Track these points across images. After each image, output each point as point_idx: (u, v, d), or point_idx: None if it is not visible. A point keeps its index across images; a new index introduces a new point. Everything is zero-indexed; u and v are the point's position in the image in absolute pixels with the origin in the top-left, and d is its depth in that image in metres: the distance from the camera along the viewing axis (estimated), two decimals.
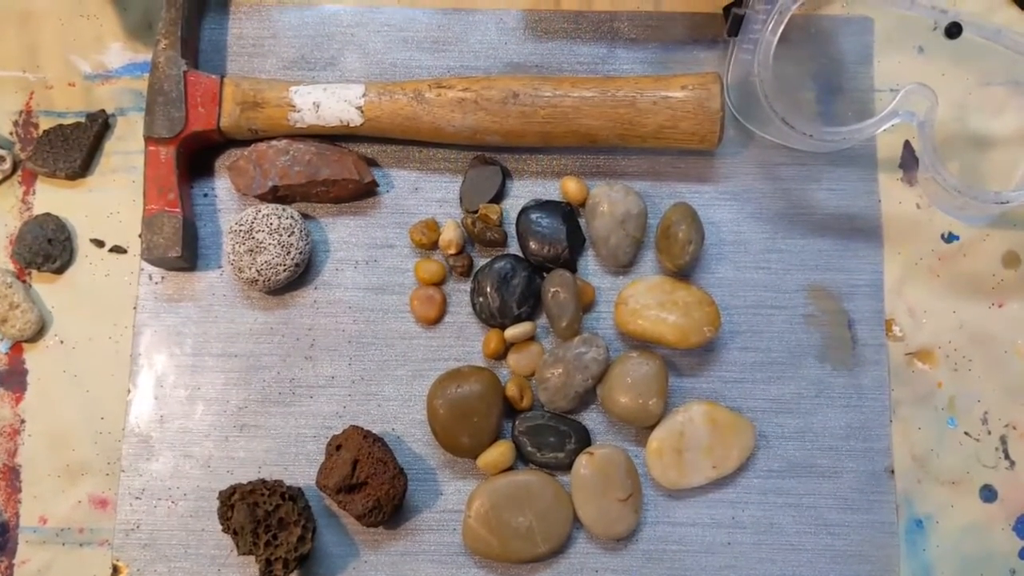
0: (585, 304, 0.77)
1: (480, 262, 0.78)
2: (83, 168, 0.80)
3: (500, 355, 0.76)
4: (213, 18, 0.82)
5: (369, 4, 0.82)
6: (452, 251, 0.77)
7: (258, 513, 0.70)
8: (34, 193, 0.80)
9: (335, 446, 0.73)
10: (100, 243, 0.79)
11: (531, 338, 0.76)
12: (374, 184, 0.78)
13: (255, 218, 0.76)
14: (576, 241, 0.77)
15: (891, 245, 0.79)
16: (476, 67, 0.81)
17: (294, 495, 0.71)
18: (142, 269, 0.79)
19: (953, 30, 0.73)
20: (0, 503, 0.76)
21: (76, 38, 0.82)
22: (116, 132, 0.81)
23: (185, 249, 0.75)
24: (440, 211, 0.79)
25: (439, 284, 0.78)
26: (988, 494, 0.75)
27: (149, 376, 0.77)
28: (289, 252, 0.75)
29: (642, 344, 0.77)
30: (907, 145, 0.80)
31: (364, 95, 0.77)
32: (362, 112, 0.76)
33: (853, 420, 0.76)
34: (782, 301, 0.78)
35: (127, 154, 0.80)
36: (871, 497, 0.75)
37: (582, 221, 0.78)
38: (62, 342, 0.78)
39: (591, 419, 0.76)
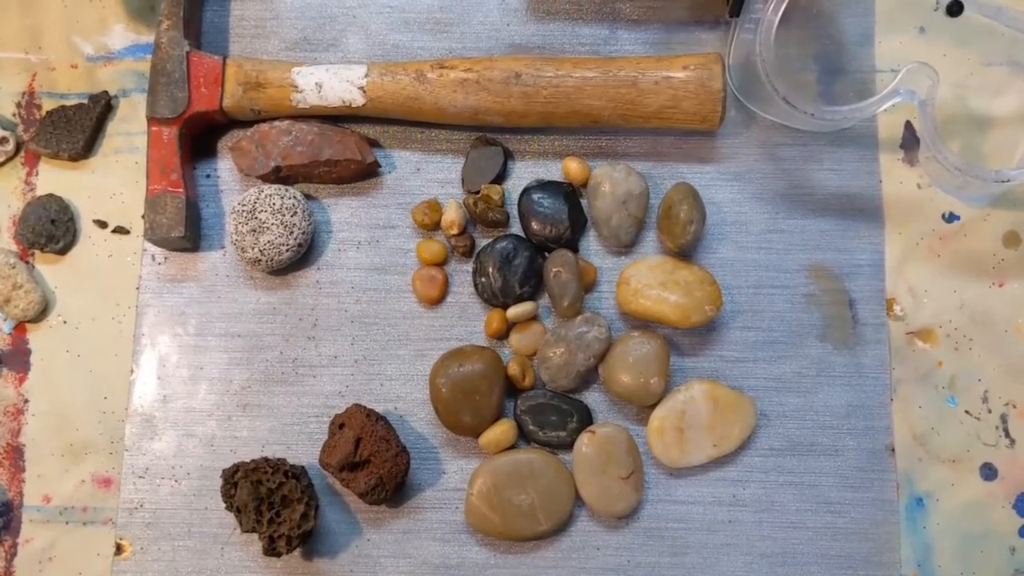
0: (587, 284, 0.77)
1: (482, 242, 0.78)
2: (86, 149, 0.80)
3: (502, 335, 0.77)
4: (215, 0, 0.82)
5: None
6: (454, 231, 0.77)
7: (261, 491, 0.70)
8: (37, 174, 0.80)
9: (338, 424, 0.73)
10: (103, 224, 0.80)
11: (533, 318, 0.76)
12: (376, 165, 0.79)
13: (258, 198, 0.76)
14: (578, 221, 0.77)
15: (892, 225, 0.79)
16: (478, 48, 0.81)
17: (297, 473, 0.72)
18: (145, 250, 0.79)
19: (954, 8, 0.74)
20: (4, 482, 0.76)
21: (79, 20, 0.82)
22: (119, 113, 0.81)
23: (188, 229, 0.76)
24: (442, 191, 0.79)
25: (441, 264, 0.78)
26: (988, 472, 0.76)
27: (152, 356, 0.77)
28: (292, 232, 0.76)
29: (644, 323, 0.77)
30: (908, 125, 0.80)
31: (366, 75, 0.77)
32: (364, 92, 0.77)
33: (854, 399, 0.76)
34: (783, 281, 0.78)
35: (130, 135, 0.81)
36: (871, 475, 0.75)
37: (584, 201, 0.79)
38: (65, 322, 0.78)
39: (593, 398, 0.76)
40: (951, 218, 0.79)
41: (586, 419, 0.75)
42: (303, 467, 0.73)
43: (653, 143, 0.80)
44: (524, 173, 0.80)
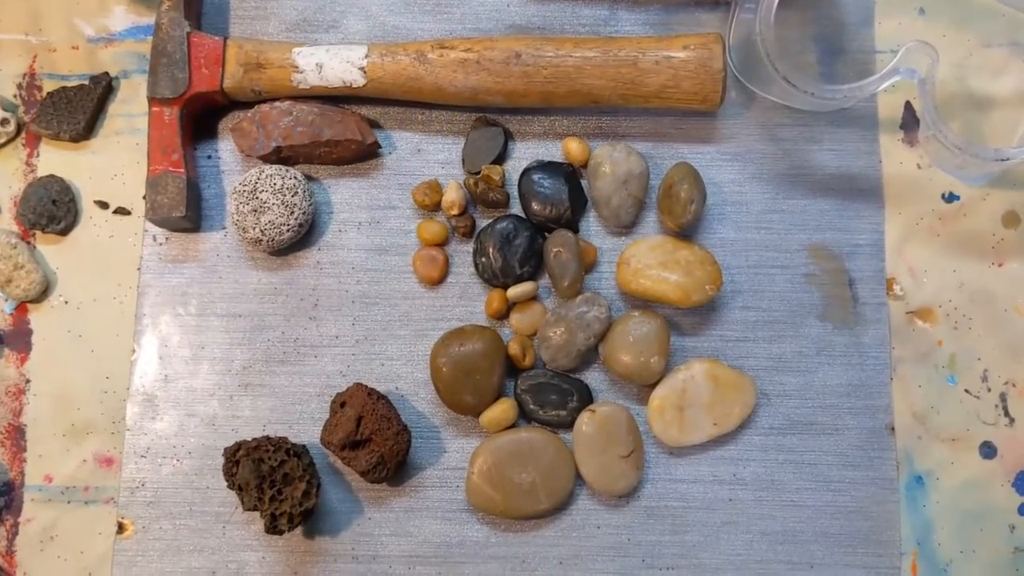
0: (587, 264, 0.77)
1: (482, 223, 0.78)
2: (87, 130, 0.80)
3: (502, 315, 0.77)
4: None
5: None
6: (454, 212, 0.77)
7: (263, 469, 0.70)
8: (38, 155, 0.80)
9: (339, 403, 0.73)
10: (104, 204, 0.80)
11: (533, 298, 0.76)
12: (377, 145, 0.79)
13: (259, 178, 0.76)
14: (578, 202, 0.77)
15: (892, 205, 0.79)
16: (478, 29, 0.81)
17: (299, 451, 0.72)
18: (146, 230, 0.79)
19: None
20: (6, 462, 0.76)
21: (80, 1, 0.82)
22: (119, 95, 0.81)
23: (189, 209, 0.76)
24: (442, 172, 0.80)
25: (442, 245, 0.78)
26: (988, 451, 0.76)
27: (154, 336, 0.77)
28: (293, 212, 0.76)
29: (644, 303, 0.77)
30: (908, 106, 0.80)
31: (367, 56, 0.77)
32: (365, 73, 0.77)
33: (854, 378, 0.76)
34: (783, 260, 0.78)
35: (130, 116, 0.81)
36: (871, 454, 0.75)
37: (584, 182, 0.79)
38: (67, 302, 0.78)
39: (593, 377, 0.77)
40: (951, 198, 0.79)
41: (586, 398, 0.75)
42: (304, 446, 0.73)
43: (653, 123, 0.80)
44: (524, 153, 0.80)
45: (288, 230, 0.76)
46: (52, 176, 0.79)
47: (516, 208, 0.79)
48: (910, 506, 0.75)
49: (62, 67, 0.82)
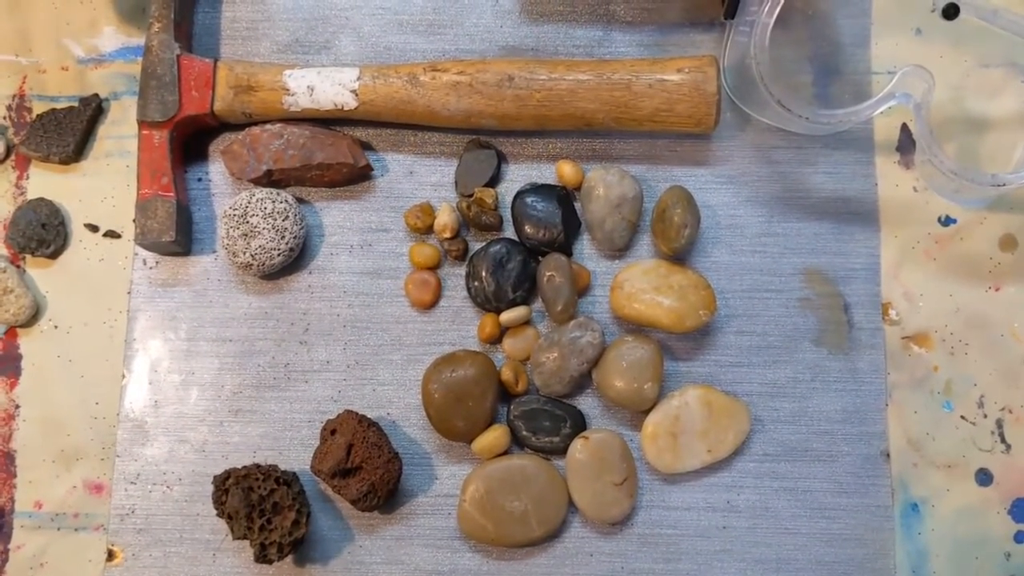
0: (580, 288, 0.77)
1: (475, 246, 0.78)
2: (76, 153, 0.79)
3: (495, 339, 0.76)
4: (207, 2, 0.82)
5: None
6: (447, 235, 0.77)
7: (252, 497, 0.70)
8: (28, 178, 0.80)
9: (330, 431, 0.72)
10: (94, 228, 0.79)
11: (526, 322, 0.76)
12: (369, 168, 0.78)
13: (249, 202, 0.76)
14: (571, 225, 0.77)
15: (888, 228, 0.78)
16: (471, 50, 0.81)
17: (288, 479, 0.71)
18: (136, 254, 0.78)
19: (950, 11, 0.73)
20: None
21: (70, 22, 0.82)
22: (109, 116, 0.81)
23: (179, 233, 0.75)
24: (435, 195, 0.79)
25: (434, 268, 0.78)
26: (984, 478, 0.75)
27: (143, 361, 0.77)
28: (283, 236, 0.75)
29: (637, 328, 0.76)
30: (904, 128, 0.80)
31: (359, 78, 0.76)
32: (356, 95, 0.76)
33: (849, 404, 0.76)
34: (778, 285, 0.77)
35: (121, 138, 0.80)
36: (866, 481, 0.75)
37: (578, 205, 0.78)
38: (56, 327, 0.78)
39: (586, 403, 0.76)
40: (947, 221, 0.79)
41: (579, 425, 0.75)
42: (295, 473, 0.73)
43: (647, 146, 0.79)
44: (518, 176, 0.79)
45: (279, 255, 0.75)
46: (42, 199, 0.79)
47: (509, 231, 0.78)
48: (905, 534, 0.74)
49: (52, 88, 0.81)
